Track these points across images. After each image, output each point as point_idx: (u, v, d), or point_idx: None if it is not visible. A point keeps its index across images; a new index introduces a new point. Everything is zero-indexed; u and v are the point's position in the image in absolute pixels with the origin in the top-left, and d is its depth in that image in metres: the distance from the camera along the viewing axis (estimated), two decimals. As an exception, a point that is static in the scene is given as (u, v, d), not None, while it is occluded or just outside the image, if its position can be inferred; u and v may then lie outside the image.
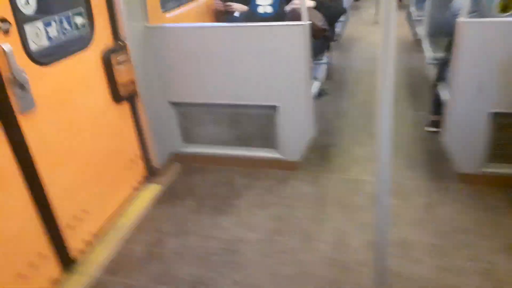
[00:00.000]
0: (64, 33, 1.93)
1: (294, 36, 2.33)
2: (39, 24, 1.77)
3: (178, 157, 2.92)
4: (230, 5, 3.30)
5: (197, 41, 2.51)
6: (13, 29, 1.60)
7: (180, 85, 2.67)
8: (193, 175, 2.80)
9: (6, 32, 1.57)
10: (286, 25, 2.35)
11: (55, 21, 1.86)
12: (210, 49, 2.49)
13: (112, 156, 2.35)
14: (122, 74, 2.30)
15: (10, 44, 1.57)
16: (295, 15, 2.70)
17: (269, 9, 3.16)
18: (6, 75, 1.59)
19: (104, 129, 2.27)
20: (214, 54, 2.50)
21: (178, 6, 3.07)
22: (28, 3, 1.67)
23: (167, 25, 2.57)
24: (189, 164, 2.90)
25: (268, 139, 2.72)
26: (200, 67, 2.56)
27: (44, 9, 1.77)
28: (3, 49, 1.53)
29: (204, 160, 2.88)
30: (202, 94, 2.66)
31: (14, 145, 1.67)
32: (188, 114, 2.80)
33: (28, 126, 1.72)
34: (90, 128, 2.15)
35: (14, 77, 1.60)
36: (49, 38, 1.83)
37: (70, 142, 2.00)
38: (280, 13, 3.14)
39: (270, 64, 2.44)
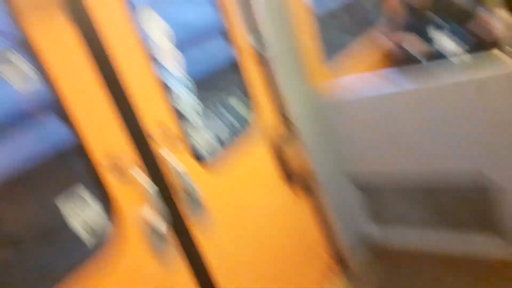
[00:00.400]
0: (234, 134, 1.82)
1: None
2: (208, 130, 1.69)
3: (369, 244, 2.46)
4: (400, 38, 2.76)
5: (378, 111, 2.10)
6: (183, 143, 1.54)
7: (363, 159, 2.28)
8: (390, 269, 2.27)
9: (179, 147, 1.50)
10: (495, 74, 1.73)
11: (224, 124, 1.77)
12: (397, 116, 2.05)
13: (294, 251, 2.09)
14: (294, 159, 2.07)
15: (183, 163, 1.49)
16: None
17: (456, 45, 2.54)
18: (180, 194, 1.50)
19: (281, 222, 2.04)
20: (403, 120, 2.05)
21: (344, 57, 2.73)
22: (197, 113, 1.60)
23: (341, 99, 2.24)
24: (384, 253, 2.39)
25: (490, 223, 2.01)
26: (386, 136, 2.13)
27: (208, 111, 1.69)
28: (177, 170, 1.46)
29: (402, 248, 2.34)
30: (392, 166, 2.19)
31: (191, 261, 1.55)
32: (377, 191, 2.35)
33: (204, 238, 1.59)
34: (266, 224, 1.95)
35: (189, 194, 1.50)
36: (220, 142, 1.73)
37: (247, 244, 1.82)
38: (473, 42, 2.49)
39: (482, 121, 1.83)
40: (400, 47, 2.76)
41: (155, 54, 1.52)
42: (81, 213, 1.38)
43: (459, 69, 1.96)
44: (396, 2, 2.86)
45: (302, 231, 2.18)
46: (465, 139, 1.90)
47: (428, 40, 2.63)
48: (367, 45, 2.96)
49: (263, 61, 2.00)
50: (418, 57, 2.65)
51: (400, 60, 2.76)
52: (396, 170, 2.18)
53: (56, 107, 1.22)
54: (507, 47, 1.81)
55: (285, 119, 2.10)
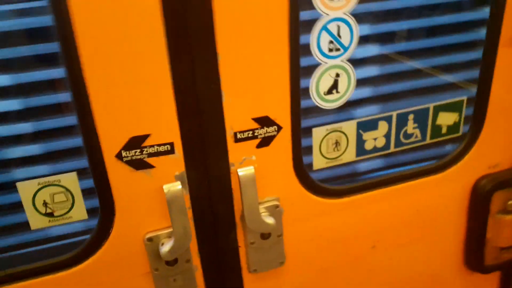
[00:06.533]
0: (400, 143, 0.98)
1: None
2: (349, 125, 0.90)
3: None
4: None
5: None
6: (284, 136, 0.83)
7: None
8: None
9: (266, 142, 0.82)
10: None
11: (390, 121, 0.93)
12: None
13: None
14: (505, 229, 1.09)
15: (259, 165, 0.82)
16: None
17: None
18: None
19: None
20: None
21: None
22: (336, 91, 0.85)
23: None
24: None
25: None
26: None
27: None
28: (238, 177, 0.80)
29: None
30: None
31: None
32: None
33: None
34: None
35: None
36: (361, 151, 0.94)
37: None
38: None
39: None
40: None
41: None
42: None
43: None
44: None
45: None
46: None
47: None
48: None
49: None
50: None
51: None
52: None
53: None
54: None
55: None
